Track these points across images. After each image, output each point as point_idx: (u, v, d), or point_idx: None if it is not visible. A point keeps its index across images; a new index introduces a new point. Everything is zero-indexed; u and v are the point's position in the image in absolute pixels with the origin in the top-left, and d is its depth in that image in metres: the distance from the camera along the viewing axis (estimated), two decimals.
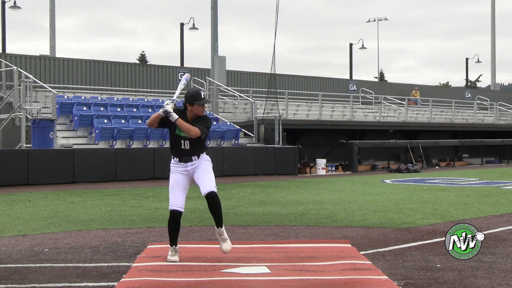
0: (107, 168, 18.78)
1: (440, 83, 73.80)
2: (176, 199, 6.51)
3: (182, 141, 6.49)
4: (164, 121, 6.42)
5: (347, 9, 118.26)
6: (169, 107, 6.33)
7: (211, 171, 6.58)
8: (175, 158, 6.58)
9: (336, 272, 5.90)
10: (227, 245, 6.54)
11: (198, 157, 6.55)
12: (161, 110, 6.37)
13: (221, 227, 6.56)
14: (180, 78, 29.22)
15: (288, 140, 25.31)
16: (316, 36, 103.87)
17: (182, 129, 6.37)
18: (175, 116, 6.32)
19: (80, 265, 6.40)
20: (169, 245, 6.60)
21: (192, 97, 6.47)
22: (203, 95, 6.62)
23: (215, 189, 6.48)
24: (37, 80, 21.81)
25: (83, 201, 13.05)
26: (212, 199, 6.45)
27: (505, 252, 7.01)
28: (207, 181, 6.47)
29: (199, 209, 11.05)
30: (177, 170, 6.58)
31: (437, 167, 29.68)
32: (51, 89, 21.24)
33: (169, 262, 6.34)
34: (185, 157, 6.51)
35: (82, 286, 5.51)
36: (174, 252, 6.46)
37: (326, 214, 10.53)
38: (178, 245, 6.55)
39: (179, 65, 31.33)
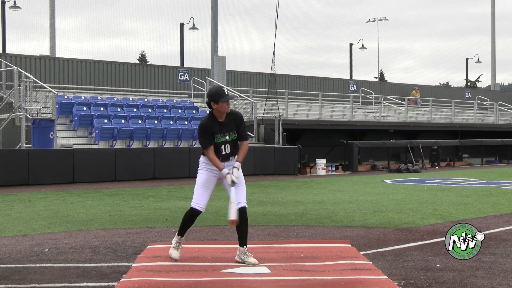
0: (107, 168, 18.78)
1: (440, 83, 73.87)
2: (201, 198, 6.39)
3: (223, 147, 6.36)
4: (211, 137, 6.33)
5: (347, 9, 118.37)
6: (232, 177, 6.29)
7: (243, 182, 6.43)
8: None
9: (336, 272, 5.90)
10: (253, 260, 6.24)
11: (234, 156, 6.45)
12: (229, 179, 6.27)
13: (246, 245, 6.31)
14: (180, 78, 29.21)
15: (288, 140, 25.31)
16: (316, 36, 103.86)
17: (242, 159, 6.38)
18: (238, 166, 6.35)
19: (80, 265, 6.40)
20: (169, 245, 6.60)
21: (217, 95, 6.27)
22: (227, 91, 6.39)
23: (246, 204, 6.34)
24: (37, 80, 21.80)
25: (83, 201, 13.05)
26: (243, 216, 6.27)
27: (505, 252, 7.01)
28: (241, 194, 6.32)
29: None
30: (209, 168, 6.40)
31: (437, 167, 29.68)
32: (51, 89, 21.24)
33: (169, 255, 6.37)
34: (226, 158, 6.39)
35: (82, 286, 5.51)
36: (177, 245, 6.43)
37: (326, 214, 10.53)
38: (184, 238, 6.55)
39: (179, 65, 31.32)
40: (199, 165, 6.47)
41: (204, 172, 6.42)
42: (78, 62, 26.65)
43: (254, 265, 6.17)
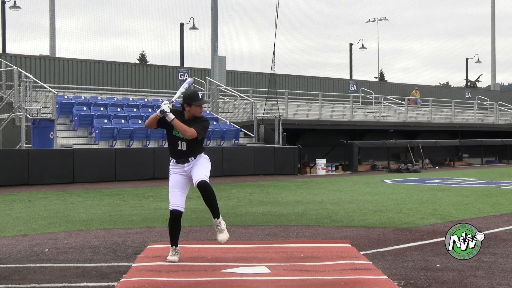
0: (107, 168, 18.78)
1: (440, 83, 73.86)
2: (176, 199, 6.52)
3: (179, 142, 6.51)
4: (162, 122, 6.44)
5: (347, 9, 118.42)
6: (166, 107, 6.35)
7: (206, 165, 6.56)
8: (172, 160, 6.62)
9: (336, 272, 5.90)
10: (223, 236, 6.47)
11: (195, 158, 6.55)
12: (158, 110, 6.38)
13: (218, 217, 6.50)
14: (180, 78, 29.23)
15: (288, 140, 25.30)
16: (316, 36, 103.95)
17: (177, 129, 6.38)
18: (171, 116, 6.33)
19: (80, 265, 6.40)
20: (169, 245, 6.60)
21: (190, 98, 6.49)
22: (201, 96, 6.60)
23: (206, 178, 6.43)
24: (37, 80, 21.81)
25: (83, 201, 13.05)
26: (203, 188, 6.40)
27: (505, 252, 7.01)
28: (199, 172, 6.46)
29: (199, 209, 11.05)
30: (175, 171, 6.61)
31: (437, 167, 29.67)
32: (51, 89, 21.24)
33: (169, 262, 6.34)
34: (181, 158, 6.53)
35: (82, 286, 5.51)
36: (174, 253, 6.47)
37: (326, 214, 10.53)
38: (178, 246, 6.55)
39: (179, 65, 31.32)
40: (169, 171, 6.66)
41: (172, 175, 6.62)
42: (78, 62, 26.65)
43: (222, 231, 6.43)
